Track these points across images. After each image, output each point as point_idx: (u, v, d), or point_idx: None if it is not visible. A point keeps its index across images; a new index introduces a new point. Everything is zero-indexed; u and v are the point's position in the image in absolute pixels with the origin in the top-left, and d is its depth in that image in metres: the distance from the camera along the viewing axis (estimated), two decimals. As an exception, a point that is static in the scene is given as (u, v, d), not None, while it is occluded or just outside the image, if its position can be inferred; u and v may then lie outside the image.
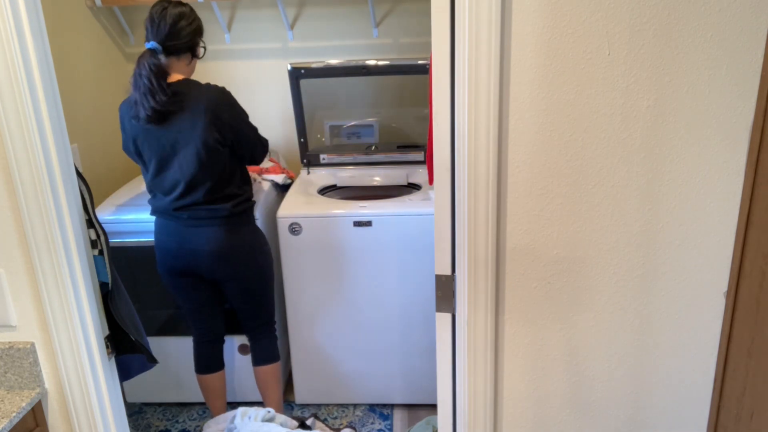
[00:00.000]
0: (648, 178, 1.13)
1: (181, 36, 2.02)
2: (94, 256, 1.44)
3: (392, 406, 2.72)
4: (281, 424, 1.95)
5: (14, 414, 1.33)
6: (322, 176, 2.85)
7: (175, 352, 2.61)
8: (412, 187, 2.78)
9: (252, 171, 2.69)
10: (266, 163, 2.84)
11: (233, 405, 2.69)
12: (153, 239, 2.24)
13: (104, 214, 2.44)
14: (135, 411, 2.76)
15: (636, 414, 1.30)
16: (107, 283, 1.48)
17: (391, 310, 2.52)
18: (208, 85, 2.06)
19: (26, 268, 1.36)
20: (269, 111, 3.04)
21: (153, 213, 2.21)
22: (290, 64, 2.65)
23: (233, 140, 2.08)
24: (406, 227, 2.40)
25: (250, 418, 1.91)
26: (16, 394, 1.41)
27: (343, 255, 2.45)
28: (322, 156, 2.87)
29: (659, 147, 1.11)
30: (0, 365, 1.41)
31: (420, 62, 2.63)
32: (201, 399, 2.68)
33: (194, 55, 2.11)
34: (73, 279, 1.36)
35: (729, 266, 1.18)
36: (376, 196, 2.59)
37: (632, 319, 1.23)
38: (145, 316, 2.55)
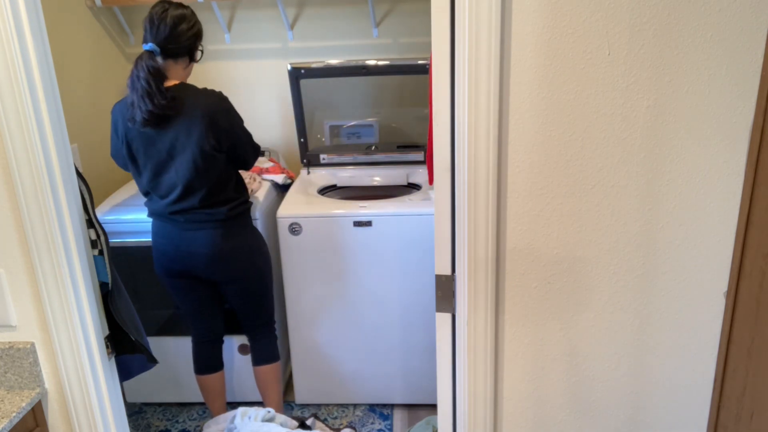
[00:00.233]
0: (648, 178, 1.13)
1: (180, 39, 2.00)
2: (94, 256, 1.44)
3: (392, 406, 2.72)
4: (281, 424, 1.95)
5: (14, 414, 1.33)
6: (322, 176, 2.85)
7: (175, 352, 2.61)
8: (412, 187, 2.78)
9: (252, 170, 2.69)
10: (266, 163, 2.84)
11: (233, 405, 2.69)
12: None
13: (104, 214, 2.44)
14: (135, 411, 2.76)
15: (636, 414, 1.30)
16: (107, 283, 1.48)
17: (391, 310, 2.52)
18: (205, 89, 2.05)
19: (26, 268, 1.36)
20: (269, 111, 3.04)
21: (150, 215, 2.20)
22: (290, 64, 2.65)
23: (229, 146, 2.07)
24: (406, 227, 2.40)
25: (250, 418, 1.91)
26: (16, 394, 1.41)
27: (343, 255, 2.45)
28: (322, 156, 2.87)
29: (659, 147, 1.11)
30: (0, 365, 1.41)
31: (420, 62, 2.63)
32: (201, 399, 2.67)
33: (192, 59, 2.09)
34: (73, 279, 1.36)
35: (729, 266, 1.18)
36: (376, 196, 2.59)
37: (632, 319, 1.23)
38: (145, 316, 2.55)
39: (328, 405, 2.74)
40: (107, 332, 1.48)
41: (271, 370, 2.39)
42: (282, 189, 2.77)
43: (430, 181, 2.49)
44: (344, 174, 2.86)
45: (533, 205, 1.16)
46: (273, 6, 2.85)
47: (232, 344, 2.60)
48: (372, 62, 2.65)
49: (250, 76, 2.99)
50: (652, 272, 1.19)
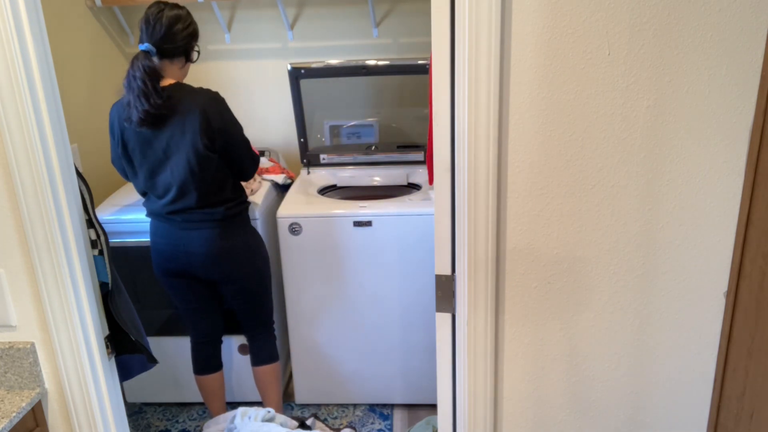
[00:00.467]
0: (648, 178, 1.13)
1: (176, 39, 2.00)
2: (94, 256, 1.44)
3: (392, 406, 2.72)
4: (281, 424, 1.95)
5: (14, 414, 1.33)
6: (322, 176, 2.85)
7: (174, 352, 2.61)
8: (412, 187, 2.78)
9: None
10: (266, 163, 2.84)
11: (233, 405, 2.69)
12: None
13: (104, 214, 2.44)
14: (135, 411, 2.76)
15: (636, 414, 1.30)
16: (107, 283, 1.48)
17: (391, 310, 2.52)
18: (200, 89, 2.04)
19: (26, 268, 1.36)
20: (269, 111, 3.04)
21: (148, 215, 2.20)
22: (290, 64, 2.65)
23: (222, 146, 2.06)
24: (406, 227, 2.40)
25: (250, 418, 1.91)
26: (16, 394, 1.41)
27: (343, 255, 2.45)
28: (322, 156, 2.87)
29: (659, 147, 1.11)
30: (0, 365, 1.41)
31: (420, 62, 2.63)
32: (201, 399, 2.67)
33: (188, 59, 2.09)
34: (73, 279, 1.36)
35: (729, 266, 1.18)
36: (376, 196, 2.59)
37: (632, 319, 1.23)
38: (145, 316, 2.55)
39: (328, 405, 2.74)
40: (107, 332, 1.48)
41: (270, 370, 2.39)
42: (282, 189, 2.77)
43: (430, 181, 2.49)
44: (344, 174, 2.86)
45: (533, 205, 1.16)
46: (273, 6, 2.85)
47: (232, 344, 2.60)
48: (372, 62, 2.65)
49: (250, 76, 2.99)
50: (652, 272, 1.19)
